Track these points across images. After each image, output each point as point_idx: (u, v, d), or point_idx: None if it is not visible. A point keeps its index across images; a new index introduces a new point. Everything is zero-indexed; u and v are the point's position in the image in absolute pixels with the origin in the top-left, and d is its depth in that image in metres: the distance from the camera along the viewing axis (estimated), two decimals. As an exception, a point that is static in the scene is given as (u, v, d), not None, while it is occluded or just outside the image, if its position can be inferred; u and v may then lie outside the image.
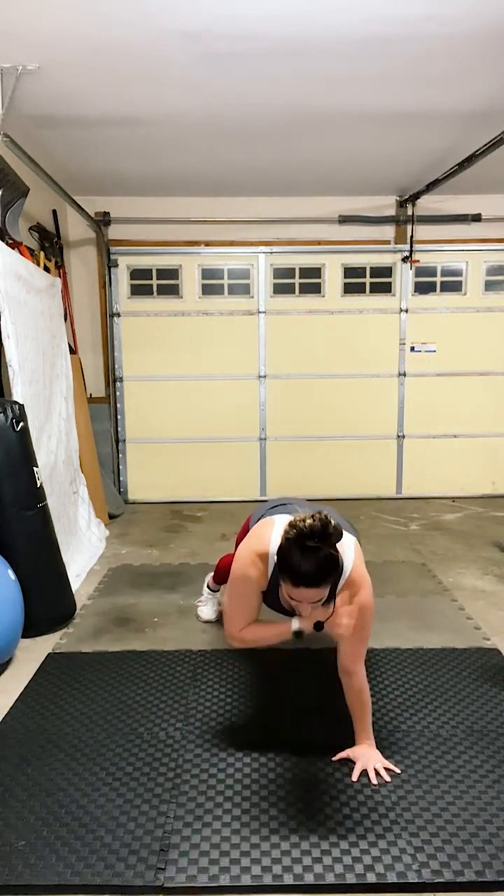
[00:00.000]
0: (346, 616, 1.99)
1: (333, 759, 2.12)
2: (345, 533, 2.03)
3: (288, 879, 1.66)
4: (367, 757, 2.08)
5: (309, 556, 1.81)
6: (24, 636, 2.92)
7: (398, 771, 2.07)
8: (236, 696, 2.52)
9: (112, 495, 5.44)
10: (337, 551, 1.87)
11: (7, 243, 3.65)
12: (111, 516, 5.18)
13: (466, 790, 1.98)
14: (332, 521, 1.88)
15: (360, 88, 3.41)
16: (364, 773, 2.05)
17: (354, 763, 2.08)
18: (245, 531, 2.44)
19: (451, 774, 2.05)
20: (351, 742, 2.15)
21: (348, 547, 2.06)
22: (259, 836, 1.80)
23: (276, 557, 1.96)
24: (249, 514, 2.59)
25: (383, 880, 1.66)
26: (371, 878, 1.66)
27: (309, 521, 1.85)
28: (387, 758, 2.11)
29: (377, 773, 2.04)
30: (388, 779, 2.03)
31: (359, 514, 5.36)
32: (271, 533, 2.08)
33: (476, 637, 3.06)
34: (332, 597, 1.97)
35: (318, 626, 2.01)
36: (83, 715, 2.40)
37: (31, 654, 2.90)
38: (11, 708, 2.46)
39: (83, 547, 4.24)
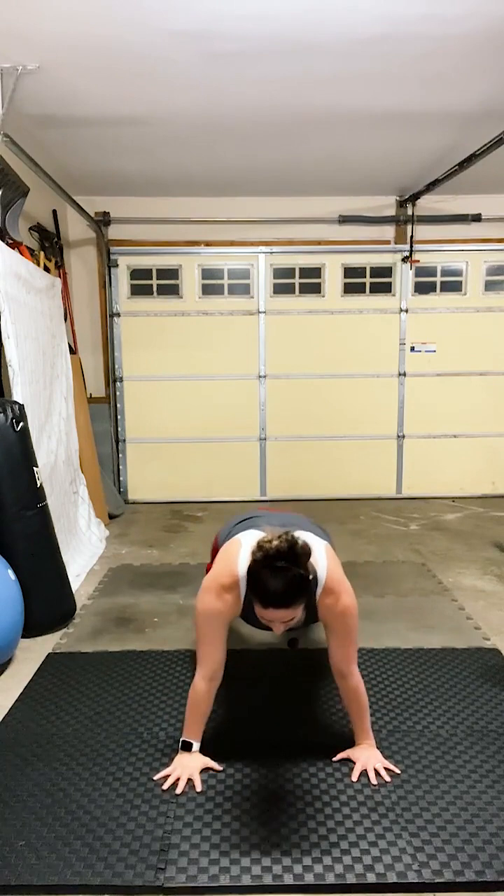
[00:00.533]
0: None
1: (334, 759, 2.12)
2: (316, 539, 2.07)
3: (288, 879, 1.66)
4: (366, 757, 2.09)
5: (278, 577, 1.79)
6: (24, 636, 2.93)
7: (398, 771, 2.07)
8: (236, 696, 2.52)
9: (112, 495, 5.44)
10: (307, 570, 1.83)
11: (7, 243, 3.65)
12: (111, 516, 5.18)
13: (466, 790, 1.98)
14: (300, 541, 1.85)
15: (361, 88, 3.41)
16: (364, 773, 2.05)
17: (354, 763, 2.08)
18: (215, 550, 2.39)
19: (451, 774, 2.05)
20: (352, 742, 2.15)
21: (321, 555, 2.04)
22: (259, 836, 1.80)
23: (246, 580, 1.94)
24: (217, 532, 2.55)
25: (383, 880, 1.66)
26: (371, 878, 1.66)
27: (276, 543, 1.82)
28: (387, 758, 2.11)
29: (377, 774, 2.04)
30: (388, 779, 2.03)
31: (359, 514, 5.36)
32: (238, 556, 2.03)
33: (476, 637, 3.06)
34: (310, 609, 1.97)
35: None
36: (83, 715, 2.40)
37: (31, 654, 2.90)
38: (11, 708, 2.46)
39: (83, 547, 4.24)
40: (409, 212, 5.56)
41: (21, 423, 3.11)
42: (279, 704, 2.46)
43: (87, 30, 2.80)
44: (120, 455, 5.88)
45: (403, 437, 5.94)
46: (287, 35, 2.85)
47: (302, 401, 5.82)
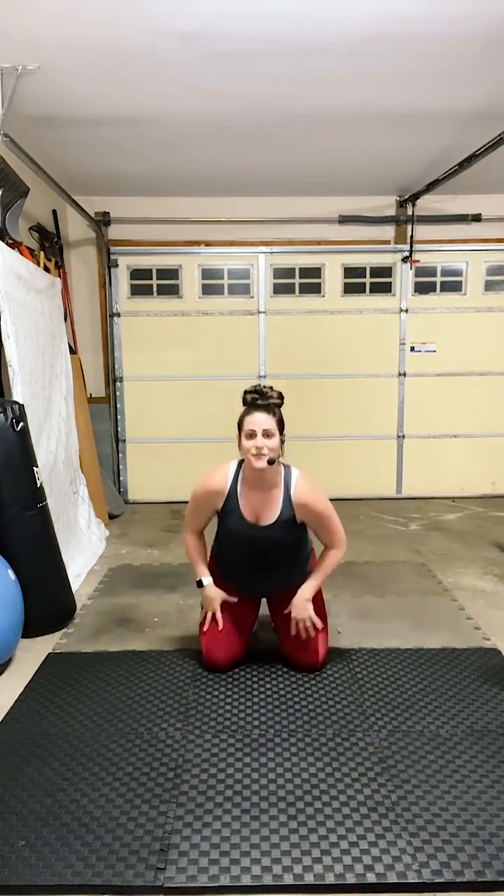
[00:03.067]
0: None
1: (284, 612, 2.63)
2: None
3: (288, 879, 1.66)
4: (298, 609, 2.59)
5: (259, 387, 2.49)
6: (24, 636, 2.93)
7: (320, 626, 2.60)
8: (236, 695, 2.52)
9: (112, 495, 5.44)
10: (281, 400, 2.49)
11: (7, 243, 3.65)
12: (111, 516, 5.18)
13: (466, 790, 1.98)
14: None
15: (361, 88, 3.41)
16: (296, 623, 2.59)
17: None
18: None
19: (451, 774, 2.05)
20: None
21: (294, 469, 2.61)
22: (259, 836, 1.80)
23: (236, 465, 2.59)
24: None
25: (383, 880, 1.66)
26: (371, 878, 1.66)
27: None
28: (387, 758, 2.12)
29: (306, 627, 2.57)
30: (311, 633, 2.57)
31: (359, 514, 5.36)
32: (231, 461, 2.63)
33: (476, 637, 3.06)
34: (282, 428, 2.49)
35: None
36: (83, 715, 2.40)
37: (31, 654, 2.90)
38: (11, 708, 2.46)
39: (83, 547, 4.24)
40: (409, 212, 5.56)
41: (21, 423, 3.11)
42: (279, 704, 2.46)
43: (87, 30, 2.80)
44: (120, 455, 5.88)
45: (403, 437, 5.94)
46: (287, 35, 2.85)
47: (302, 401, 5.82)
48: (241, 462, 2.58)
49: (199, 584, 2.72)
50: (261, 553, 2.62)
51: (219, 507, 2.62)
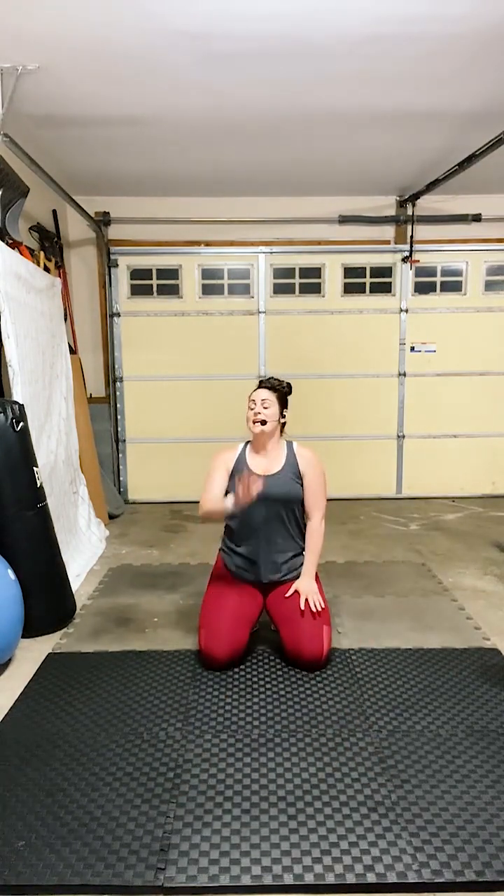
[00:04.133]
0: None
1: (286, 595, 2.77)
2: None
3: (288, 879, 1.66)
4: (305, 589, 2.76)
5: (270, 378, 2.94)
6: (24, 636, 2.93)
7: (322, 605, 2.72)
8: (236, 695, 2.52)
9: (112, 495, 5.44)
10: (289, 391, 2.93)
11: (7, 243, 3.65)
12: (111, 516, 5.18)
13: (466, 790, 1.98)
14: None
15: (361, 88, 3.41)
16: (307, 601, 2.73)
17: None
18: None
19: (451, 774, 2.05)
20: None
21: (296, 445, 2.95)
22: (259, 836, 1.80)
23: (243, 444, 2.93)
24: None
25: (383, 880, 1.66)
26: (371, 878, 1.66)
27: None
28: (387, 758, 2.12)
29: (315, 601, 2.71)
30: (316, 609, 2.70)
31: (359, 514, 5.36)
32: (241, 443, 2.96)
33: (476, 637, 3.06)
34: (283, 407, 2.89)
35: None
36: (83, 715, 2.40)
37: (31, 654, 2.90)
38: (11, 708, 2.46)
39: (83, 547, 4.24)
40: (409, 212, 5.56)
41: (21, 423, 3.11)
42: (279, 704, 2.46)
43: (88, 30, 2.80)
44: (120, 455, 5.88)
45: (403, 437, 5.94)
46: (287, 35, 2.85)
47: (302, 401, 5.76)
48: (247, 442, 2.94)
49: (227, 509, 2.74)
50: (266, 503, 2.77)
51: (230, 466, 2.89)
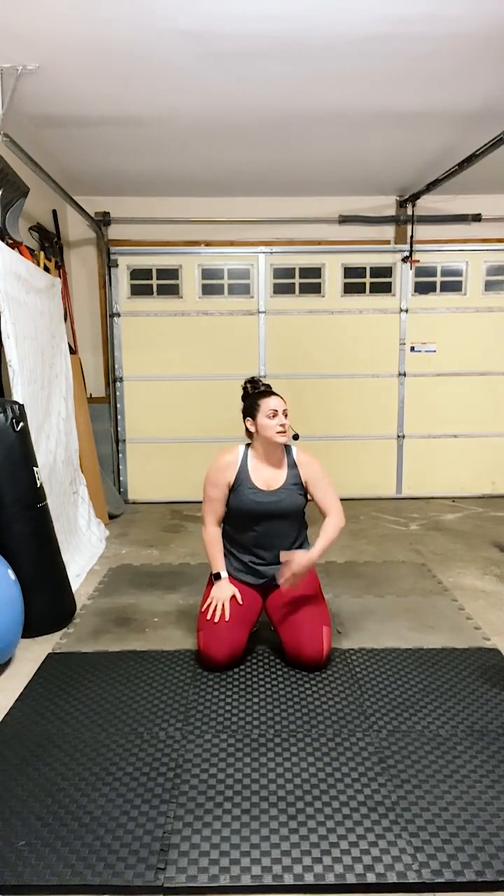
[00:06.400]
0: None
1: (280, 583, 2.71)
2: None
3: (288, 879, 1.66)
4: (297, 564, 2.64)
5: (258, 378, 2.92)
6: (24, 636, 2.93)
7: (300, 581, 2.68)
8: (236, 696, 2.52)
9: (112, 495, 5.44)
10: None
11: (7, 243, 3.65)
12: (111, 516, 5.18)
13: (466, 790, 1.98)
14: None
15: (361, 88, 3.41)
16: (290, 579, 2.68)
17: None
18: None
19: (451, 774, 2.05)
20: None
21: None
22: (259, 836, 1.80)
23: (244, 448, 2.85)
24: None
25: (383, 880, 1.66)
26: (371, 878, 1.66)
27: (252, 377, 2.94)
28: (387, 758, 2.12)
29: (287, 573, 2.63)
30: (297, 582, 2.67)
31: (359, 514, 5.36)
32: (238, 445, 2.88)
33: (476, 637, 3.06)
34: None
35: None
36: (83, 715, 2.40)
37: (31, 654, 2.90)
38: (11, 708, 2.46)
39: (83, 547, 4.24)
40: (409, 212, 5.56)
41: (21, 423, 3.11)
42: (279, 704, 2.46)
43: (88, 30, 2.80)
44: (120, 455, 5.88)
45: (403, 437, 5.94)
46: (287, 35, 2.85)
47: (302, 401, 5.81)
48: (248, 445, 2.87)
49: (217, 577, 2.84)
50: (269, 518, 2.78)
51: (231, 480, 2.80)
